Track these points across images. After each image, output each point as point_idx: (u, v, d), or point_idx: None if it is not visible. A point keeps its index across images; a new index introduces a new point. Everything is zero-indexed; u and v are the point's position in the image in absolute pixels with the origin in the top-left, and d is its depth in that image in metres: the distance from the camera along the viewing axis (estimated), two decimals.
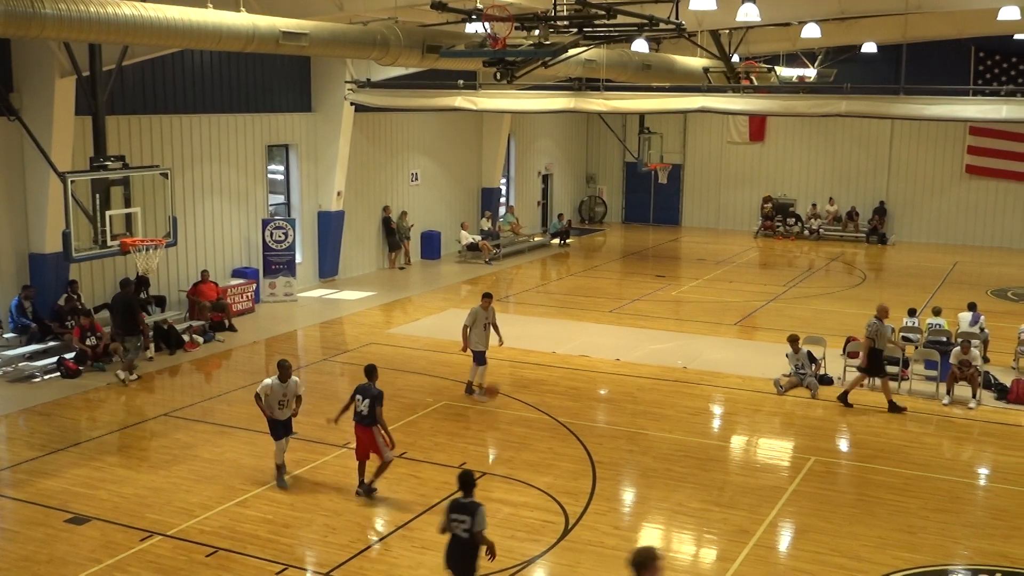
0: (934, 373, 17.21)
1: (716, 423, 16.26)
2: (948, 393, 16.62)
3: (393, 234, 28.38)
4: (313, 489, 12.62)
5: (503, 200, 34.77)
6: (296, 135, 24.88)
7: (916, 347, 17.96)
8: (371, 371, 12.42)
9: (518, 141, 35.22)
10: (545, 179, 37.60)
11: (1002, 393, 16.87)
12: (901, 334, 18.74)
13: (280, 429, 12.65)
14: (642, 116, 31.63)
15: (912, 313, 19.57)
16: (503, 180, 34.37)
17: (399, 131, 28.76)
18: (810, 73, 31.56)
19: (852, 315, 22.31)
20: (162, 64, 20.76)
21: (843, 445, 15.05)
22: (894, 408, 16.16)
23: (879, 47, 30.34)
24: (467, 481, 9.06)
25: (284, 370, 12.51)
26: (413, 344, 20.06)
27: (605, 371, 18.44)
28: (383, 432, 12.16)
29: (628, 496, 12.97)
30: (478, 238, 30.54)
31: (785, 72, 31.66)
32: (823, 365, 17.70)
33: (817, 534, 11.56)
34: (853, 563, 10.77)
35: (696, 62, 26.50)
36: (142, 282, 19.58)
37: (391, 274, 27.91)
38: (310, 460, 13.55)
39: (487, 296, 16.74)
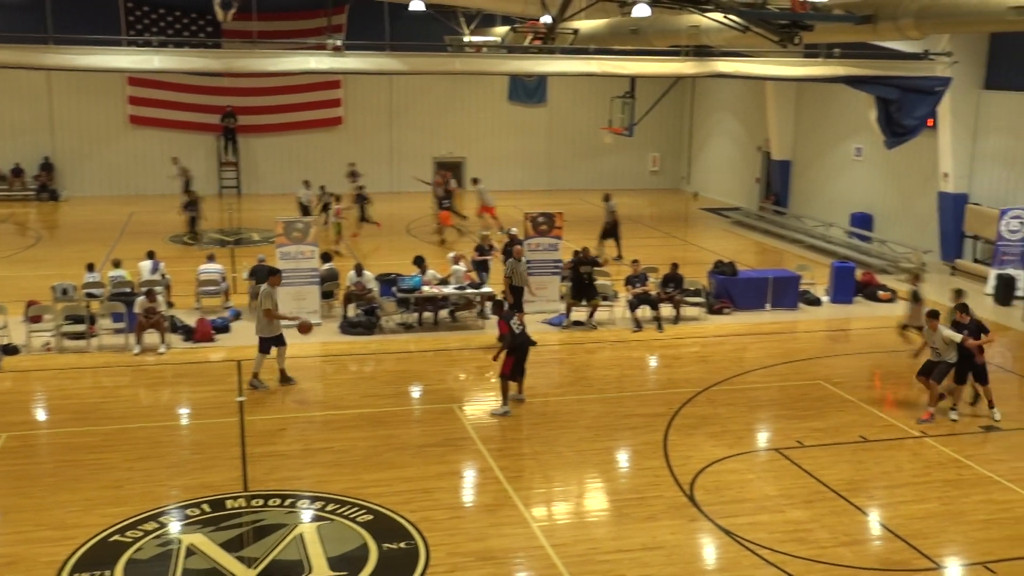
0: (122, 325, 17.23)
1: None
2: (138, 342, 16.80)
3: None
4: None
5: None
6: None
7: (101, 301, 17.80)
8: None
9: None
10: None
11: (189, 334, 17.61)
12: (84, 291, 18.38)
13: None
14: None
15: (91, 268, 19.31)
16: None
17: None
18: None
19: (32, 278, 21.31)
20: None
21: (37, 415, 14.31)
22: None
23: None
24: None
25: None
26: None
27: None
28: None
29: None
30: None
31: None
32: (8, 335, 16.59)
33: (19, 513, 10.84)
34: (60, 533, 10.33)
35: None
36: None
37: None
38: None
39: (279, 272, 15.83)
